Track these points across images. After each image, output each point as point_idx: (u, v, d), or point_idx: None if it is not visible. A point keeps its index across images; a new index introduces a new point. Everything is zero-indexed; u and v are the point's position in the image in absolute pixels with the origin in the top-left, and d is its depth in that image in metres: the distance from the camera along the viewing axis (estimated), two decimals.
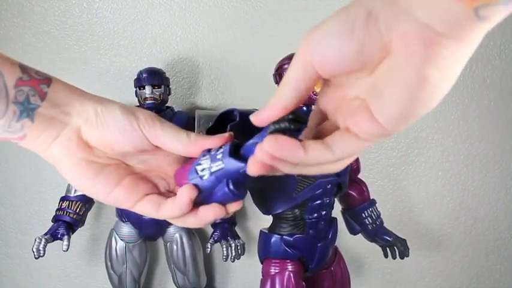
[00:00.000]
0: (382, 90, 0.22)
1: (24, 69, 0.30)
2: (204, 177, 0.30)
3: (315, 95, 0.61)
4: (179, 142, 0.31)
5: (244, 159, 0.29)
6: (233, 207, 0.32)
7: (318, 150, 0.25)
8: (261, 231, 0.66)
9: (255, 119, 0.27)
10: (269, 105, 0.26)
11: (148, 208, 0.32)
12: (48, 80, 0.31)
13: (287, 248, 0.62)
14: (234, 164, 0.29)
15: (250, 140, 0.29)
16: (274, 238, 0.63)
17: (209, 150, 0.31)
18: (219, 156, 0.30)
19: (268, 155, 0.25)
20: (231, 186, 0.30)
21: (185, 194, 0.30)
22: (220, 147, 0.31)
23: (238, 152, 0.30)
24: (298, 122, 0.26)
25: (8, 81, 0.29)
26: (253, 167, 0.26)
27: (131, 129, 0.31)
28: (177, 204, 0.31)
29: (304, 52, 0.24)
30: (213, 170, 0.30)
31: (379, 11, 0.20)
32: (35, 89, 0.30)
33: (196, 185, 0.31)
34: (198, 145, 0.32)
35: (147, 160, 0.34)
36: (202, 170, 0.30)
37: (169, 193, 0.34)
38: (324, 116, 0.29)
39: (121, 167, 0.32)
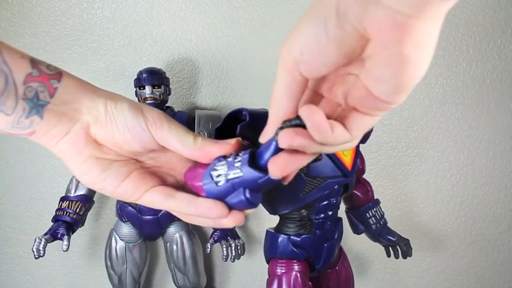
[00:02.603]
0: (372, 71, 0.22)
1: (34, 63, 0.29)
2: (220, 184, 0.30)
3: None
4: (185, 146, 0.31)
5: (263, 169, 0.29)
6: (247, 211, 0.32)
7: (341, 131, 0.25)
8: (267, 231, 0.66)
9: (264, 140, 0.28)
10: (271, 122, 0.27)
11: (156, 197, 0.31)
12: (58, 74, 0.30)
13: (294, 248, 0.62)
14: (253, 174, 0.29)
15: (261, 147, 0.29)
16: (281, 238, 0.62)
17: (225, 156, 0.31)
18: (237, 165, 0.29)
19: (296, 133, 0.25)
20: (248, 195, 0.29)
21: (216, 211, 0.30)
22: (238, 154, 0.30)
23: (255, 160, 0.29)
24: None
25: (17, 78, 0.28)
26: (276, 166, 0.27)
27: (139, 129, 0.31)
28: (198, 211, 0.30)
29: (287, 62, 0.24)
30: (229, 177, 0.30)
31: (347, 5, 0.21)
32: (44, 85, 0.29)
33: (210, 190, 0.30)
34: (204, 151, 0.31)
35: (156, 157, 0.34)
36: (218, 176, 0.30)
37: (177, 189, 0.34)
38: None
39: (130, 162, 0.32)
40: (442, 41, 0.96)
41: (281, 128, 0.27)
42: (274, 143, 0.28)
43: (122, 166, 0.32)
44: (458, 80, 0.97)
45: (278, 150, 0.28)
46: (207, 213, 0.30)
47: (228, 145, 0.31)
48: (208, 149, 0.31)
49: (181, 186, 0.34)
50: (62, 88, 0.30)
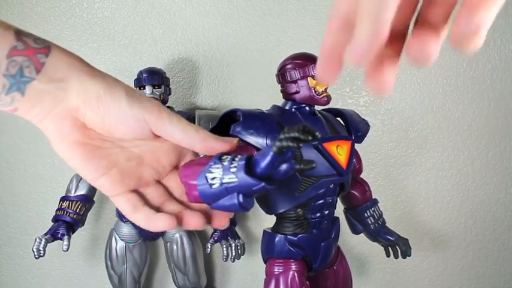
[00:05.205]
0: None
1: (19, 36, 0.27)
2: (214, 186, 0.30)
3: (317, 94, 0.60)
4: (188, 136, 0.31)
5: (258, 176, 0.29)
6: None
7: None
8: (264, 231, 0.66)
9: (356, 58, 0.20)
10: (370, 41, 0.19)
11: (126, 207, 0.32)
12: (46, 48, 0.28)
13: (291, 248, 0.62)
14: (248, 181, 0.29)
15: (257, 154, 0.29)
16: (278, 238, 0.62)
17: (220, 158, 0.31)
18: (232, 170, 0.29)
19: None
20: (241, 200, 0.30)
21: (195, 222, 0.31)
22: (234, 159, 0.30)
23: (251, 166, 0.29)
24: (307, 133, 0.26)
25: None
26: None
27: (135, 120, 0.30)
28: (165, 223, 0.31)
29: None
30: (224, 181, 0.30)
31: None
32: (30, 60, 0.27)
33: (204, 192, 0.31)
34: (206, 144, 0.31)
35: (142, 145, 0.33)
36: (213, 178, 0.30)
37: (156, 183, 0.34)
38: None
39: (114, 152, 0.31)
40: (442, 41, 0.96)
41: (280, 140, 0.27)
42: (271, 153, 0.28)
43: (104, 158, 0.31)
44: (458, 80, 0.97)
45: (275, 159, 0.28)
46: (154, 227, 0.31)
47: (230, 144, 0.31)
48: (210, 144, 0.31)
49: (161, 178, 0.34)
50: (50, 63, 0.28)
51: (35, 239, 0.76)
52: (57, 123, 0.29)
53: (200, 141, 0.31)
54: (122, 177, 0.32)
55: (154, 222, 0.31)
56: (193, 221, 0.31)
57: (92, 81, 0.29)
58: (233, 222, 0.88)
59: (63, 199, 0.83)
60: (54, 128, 0.29)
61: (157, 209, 0.33)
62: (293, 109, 0.62)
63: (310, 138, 0.26)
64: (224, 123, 0.57)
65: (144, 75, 0.83)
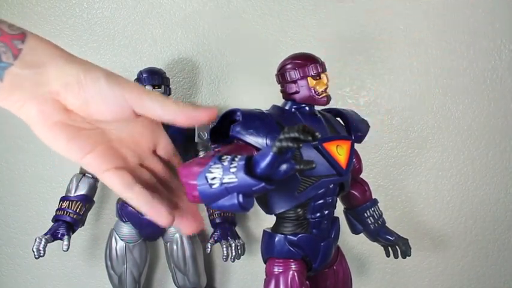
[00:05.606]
0: None
1: None
2: (214, 186, 0.30)
3: (317, 94, 0.61)
4: (168, 110, 0.31)
5: (258, 177, 0.29)
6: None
7: None
8: (264, 231, 0.66)
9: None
10: None
11: (116, 183, 0.31)
12: (21, 35, 0.28)
13: (291, 248, 0.62)
14: (247, 181, 0.29)
15: (257, 155, 0.29)
16: (278, 238, 0.62)
17: (220, 158, 0.31)
18: (232, 170, 0.30)
19: None
20: (241, 199, 0.30)
21: (163, 219, 0.31)
22: (234, 159, 0.30)
23: (250, 166, 0.29)
24: (306, 134, 0.26)
25: None
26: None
27: (115, 99, 0.30)
28: (149, 212, 0.31)
29: None
30: (224, 181, 0.30)
31: None
32: (7, 46, 0.27)
33: (204, 191, 0.31)
34: (187, 113, 0.31)
35: (122, 128, 0.33)
36: (213, 178, 0.30)
37: (139, 167, 0.34)
38: None
39: (96, 133, 0.32)
40: (442, 41, 0.96)
41: (280, 140, 0.27)
42: (271, 153, 0.28)
43: (87, 138, 0.31)
44: (458, 80, 0.97)
45: (275, 159, 0.28)
46: (155, 219, 0.31)
47: (210, 112, 0.31)
48: (190, 112, 0.31)
49: (145, 165, 0.34)
50: (26, 50, 0.28)
51: (35, 239, 0.76)
52: (39, 106, 0.29)
53: (181, 112, 0.31)
54: (109, 154, 0.32)
55: (152, 209, 0.31)
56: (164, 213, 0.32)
57: (71, 66, 0.29)
58: (233, 222, 0.88)
59: (63, 199, 0.83)
60: (36, 111, 0.29)
61: (152, 189, 0.33)
62: (293, 109, 0.62)
63: (309, 138, 0.26)
64: (224, 123, 0.57)
65: (144, 75, 0.83)
